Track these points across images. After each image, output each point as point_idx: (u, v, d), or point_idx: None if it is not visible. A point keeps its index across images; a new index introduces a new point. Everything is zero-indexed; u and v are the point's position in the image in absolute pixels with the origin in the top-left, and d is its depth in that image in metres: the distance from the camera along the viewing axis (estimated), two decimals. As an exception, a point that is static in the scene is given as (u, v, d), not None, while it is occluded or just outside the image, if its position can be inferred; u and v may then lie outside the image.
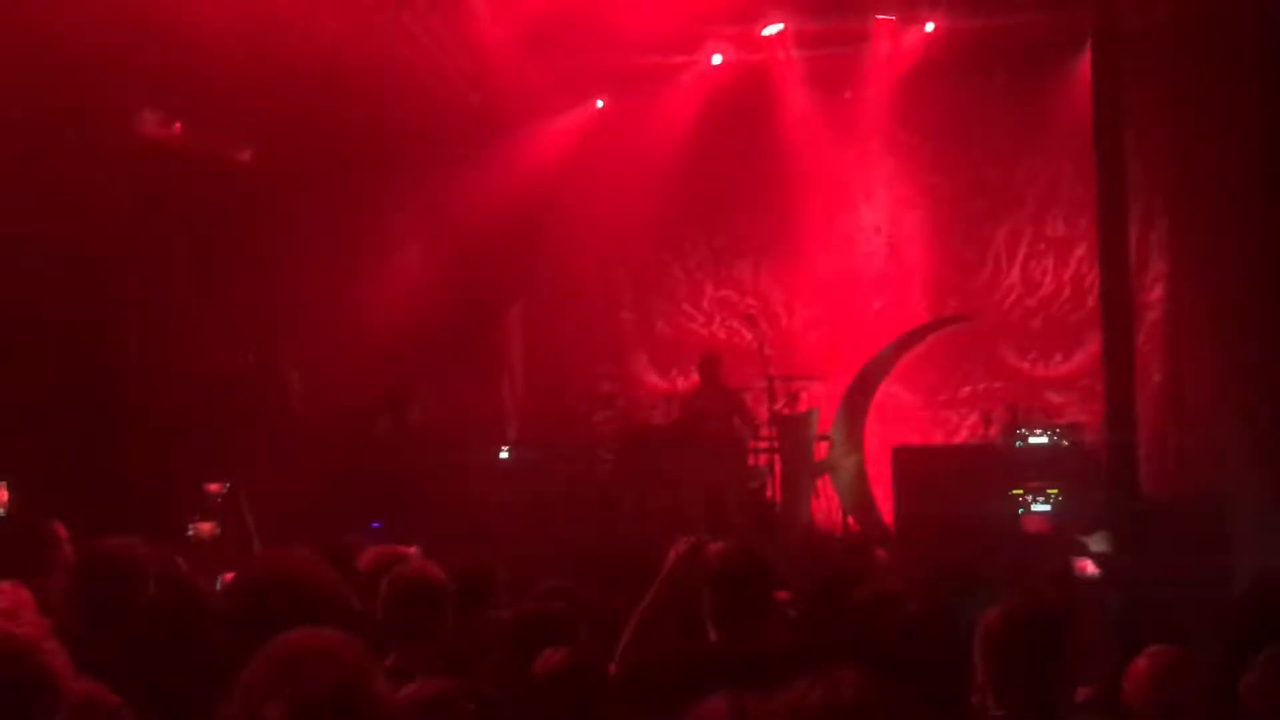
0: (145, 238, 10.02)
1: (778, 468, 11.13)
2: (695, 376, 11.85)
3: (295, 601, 3.79)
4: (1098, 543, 4.45)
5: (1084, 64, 9.11)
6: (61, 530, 4.81)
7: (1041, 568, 4.45)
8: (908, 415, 12.28)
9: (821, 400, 12.01)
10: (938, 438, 12.04)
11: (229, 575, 4.46)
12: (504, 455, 11.66)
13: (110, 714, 3.06)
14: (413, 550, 4.82)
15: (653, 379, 13.64)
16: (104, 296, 9.59)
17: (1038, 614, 3.63)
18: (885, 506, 10.64)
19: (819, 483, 11.51)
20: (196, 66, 9.08)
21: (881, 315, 12.50)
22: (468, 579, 4.50)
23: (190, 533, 4.76)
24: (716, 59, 12.54)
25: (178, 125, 10.72)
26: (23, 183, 8.50)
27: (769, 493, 11.12)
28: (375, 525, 8.08)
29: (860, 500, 11.08)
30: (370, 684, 2.65)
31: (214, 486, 4.95)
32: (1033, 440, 9.87)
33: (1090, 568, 4.44)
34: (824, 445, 11.60)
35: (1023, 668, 3.49)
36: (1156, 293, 11.11)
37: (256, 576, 4.01)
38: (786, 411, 11.74)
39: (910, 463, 9.93)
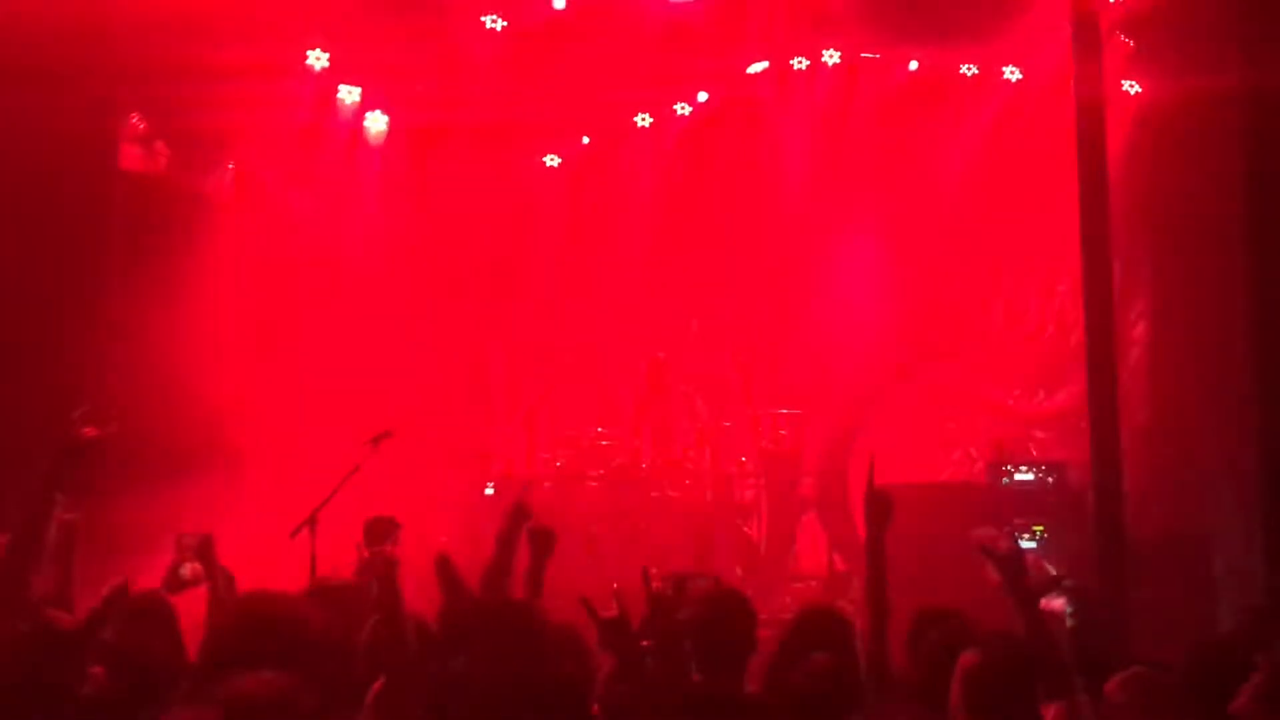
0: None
1: (764, 504, 11.12)
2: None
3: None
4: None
5: (1069, 103, 9.20)
6: None
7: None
8: (891, 452, 12.25)
9: (807, 435, 12.00)
10: (921, 475, 12.02)
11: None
12: (489, 492, 11.57)
13: None
14: None
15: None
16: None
17: (1014, 656, 3.69)
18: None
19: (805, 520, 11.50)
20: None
21: (867, 350, 12.49)
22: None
23: (183, 572, 4.73)
24: (702, 96, 12.64)
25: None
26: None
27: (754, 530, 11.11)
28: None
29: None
30: None
31: (189, 532, 4.89)
32: (1019, 477, 9.87)
33: (1060, 606, 4.47)
34: (810, 483, 11.58)
35: (997, 706, 3.56)
36: (1140, 330, 11.13)
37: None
38: (773, 448, 11.73)
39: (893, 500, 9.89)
